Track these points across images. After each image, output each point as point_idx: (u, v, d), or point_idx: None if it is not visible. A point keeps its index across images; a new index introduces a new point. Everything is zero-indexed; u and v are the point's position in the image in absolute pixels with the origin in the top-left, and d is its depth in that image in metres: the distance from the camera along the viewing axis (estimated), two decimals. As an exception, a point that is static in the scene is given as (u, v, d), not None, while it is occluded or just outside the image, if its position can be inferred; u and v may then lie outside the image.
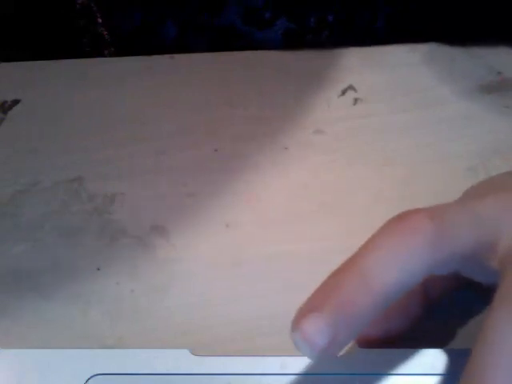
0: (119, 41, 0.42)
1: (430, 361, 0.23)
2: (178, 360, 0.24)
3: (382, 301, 0.20)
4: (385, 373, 0.23)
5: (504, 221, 0.21)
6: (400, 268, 0.20)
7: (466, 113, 0.34)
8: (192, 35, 0.41)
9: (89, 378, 0.24)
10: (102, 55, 0.42)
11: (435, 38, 0.38)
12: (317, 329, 0.19)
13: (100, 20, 0.41)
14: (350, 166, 0.33)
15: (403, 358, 0.23)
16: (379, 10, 0.40)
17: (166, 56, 0.39)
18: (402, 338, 0.24)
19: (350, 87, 0.36)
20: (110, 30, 0.42)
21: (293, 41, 0.40)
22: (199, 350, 0.24)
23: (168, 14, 0.40)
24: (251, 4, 0.39)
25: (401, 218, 0.21)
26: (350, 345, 0.22)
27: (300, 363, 0.24)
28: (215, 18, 0.40)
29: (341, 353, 0.21)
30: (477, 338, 0.19)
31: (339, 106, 0.36)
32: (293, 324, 0.20)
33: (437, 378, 0.23)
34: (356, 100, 0.36)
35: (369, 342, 0.24)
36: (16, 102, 0.37)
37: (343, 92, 0.36)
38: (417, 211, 0.21)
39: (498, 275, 0.21)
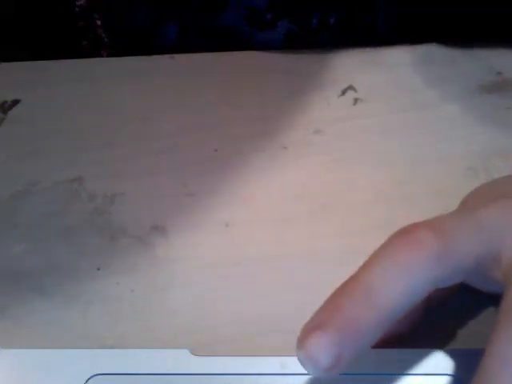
0: (119, 43, 0.42)
1: (431, 361, 0.23)
2: (178, 360, 0.24)
3: (388, 317, 0.20)
4: (385, 373, 0.23)
5: (506, 230, 0.21)
6: (405, 284, 0.20)
7: (466, 113, 0.34)
8: (193, 37, 0.41)
9: (89, 378, 0.24)
10: (101, 57, 0.42)
11: (435, 39, 0.38)
12: (321, 348, 0.19)
13: (99, 22, 0.41)
14: (349, 165, 0.33)
15: (404, 359, 0.23)
16: (380, 12, 0.40)
17: (166, 56, 0.39)
18: (403, 339, 0.24)
19: (350, 87, 0.36)
20: (110, 33, 0.42)
21: (294, 42, 0.40)
22: (199, 349, 0.24)
23: (169, 15, 0.40)
24: (253, 5, 0.39)
25: (404, 233, 0.21)
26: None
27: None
28: (216, 19, 0.40)
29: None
30: (485, 349, 0.19)
31: (339, 106, 0.36)
32: (298, 342, 0.19)
33: (437, 378, 0.23)
34: (356, 100, 0.36)
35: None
36: (16, 102, 0.37)
37: (343, 92, 0.36)
38: (419, 225, 0.21)
39: (502, 286, 0.21)
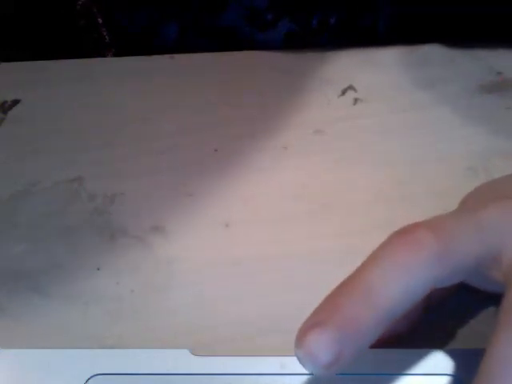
0: (119, 42, 0.42)
1: (430, 361, 0.23)
2: (178, 360, 0.24)
3: (387, 316, 0.20)
4: (385, 373, 0.23)
5: (507, 230, 0.21)
6: (405, 283, 0.20)
7: (465, 113, 0.34)
8: (193, 37, 0.41)
9: (89, 378, 0.24)
10: (103, 56, 0.42)
11: (435, 39, 0.38)
12: (321, 344, 0.19)
13: (100, 21, 0.41)
14: (349, 165, 0.33)
15: (403, 359, 0.23)
16: (380, 12, 0.40)
17: (166, 56, 0.39)
18: (402, 339, 0.24)
19: (350, 87, 0.36)
20: (110, 32, 0.42)
21: (294, 42, 0.40)
22: (199, 350, 0.24)
23: (169, 15, 0.40)
24: (253, 5, 0.39)
25: (403, 233, 0.21)
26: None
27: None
28: (217, 19, 0.40)
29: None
30: (485, 349, 0.19)
31: (339, 106, 0.36)
32: (296, 340, 0.19)
33: (437, 379, 0.23)
34: (356, 100, 0.36)
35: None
36: (16, 102, 0.37)
37: (343, 92, 0.36)
38: (419, 225, 0.21)
39: (502, 286, 0.21)
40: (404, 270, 0.20)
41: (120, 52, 0.42)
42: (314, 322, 0.19)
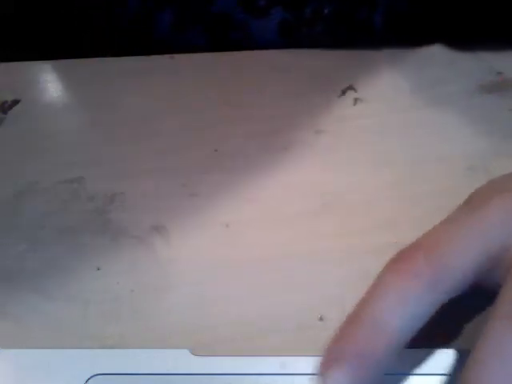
0: (117, 33, 0.42)
1: (430, 361, 0.23)
2: (178, 360, 0.24)
3: (398, 345, 0.21)
4: (385, 373, 0.23)
5: (508, 229, 0.21)
6: (408, 311, 0.21)
7: (466, 113, 0.34)
8: (188, 23, 0.41)
9: (89, 378, 0.24)
10: (103, 55, 0.42)
11: (435, 39, 0.38)
12: (340, 379, 0.20)
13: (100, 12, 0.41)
14: (350, 166, 0.33)
15: (403, 359, 0.23)
16: (378, 6, 0.39)
17: (166, 56, 0.39)
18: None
19: (350, 87, 0.36)
20: (109, 22, 0.42)
21: (288, 31, 0.40)
22: (199, 350, 0.24)
23: (164, 1, 0.40)
24: None
25: (398, 263, 0.22)
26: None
27: (300, 363, 0.24)
28: (211, 5, 0.40)
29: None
30: (475, 345, 0.20)
31: (339, 106, 0.36)
32: (318, 376, 0.21)
33: (437, 378, 0.23)
34: (356, 100, 0.36)
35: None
36: (16, 102, 0.37)
37: (343, 92, 0.36)
38: (412, 252, 0.22)
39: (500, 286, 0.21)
40: (404, 299, 0.21)
41: (119, 43, 0.41)
42: (331, 360, 0.21)
